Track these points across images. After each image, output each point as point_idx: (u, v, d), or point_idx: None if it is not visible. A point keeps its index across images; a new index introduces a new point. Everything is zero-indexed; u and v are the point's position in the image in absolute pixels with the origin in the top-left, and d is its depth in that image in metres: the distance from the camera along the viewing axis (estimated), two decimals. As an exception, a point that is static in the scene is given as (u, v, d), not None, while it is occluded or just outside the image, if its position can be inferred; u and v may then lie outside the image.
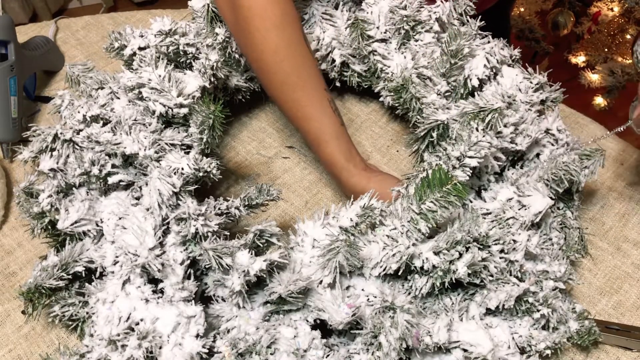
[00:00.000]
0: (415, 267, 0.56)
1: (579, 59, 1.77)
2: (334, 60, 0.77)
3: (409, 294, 0.58)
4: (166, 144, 0.62)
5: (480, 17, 0.75)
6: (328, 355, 0.54)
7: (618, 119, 1.85)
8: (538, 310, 0.57)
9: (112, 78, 0.71)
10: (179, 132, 0.64)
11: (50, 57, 0.92)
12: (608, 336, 0.62)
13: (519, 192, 0.63)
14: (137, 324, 0.52)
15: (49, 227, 0.60)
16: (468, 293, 0.59)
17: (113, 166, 0.61)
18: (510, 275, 0.58)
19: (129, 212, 0.59)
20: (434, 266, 0.55)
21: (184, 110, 0.63)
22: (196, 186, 0.60)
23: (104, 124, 0.64)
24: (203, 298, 0.58)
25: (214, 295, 0.58)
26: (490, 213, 0.62)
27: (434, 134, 0.69)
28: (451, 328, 0.55)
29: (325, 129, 0.68)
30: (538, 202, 0.62)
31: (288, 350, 0.53)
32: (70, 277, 0.58)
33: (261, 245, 0.56)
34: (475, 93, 0.70)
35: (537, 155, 0.69)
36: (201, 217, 0.55)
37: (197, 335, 0.52)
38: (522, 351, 0.57)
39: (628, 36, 1.64)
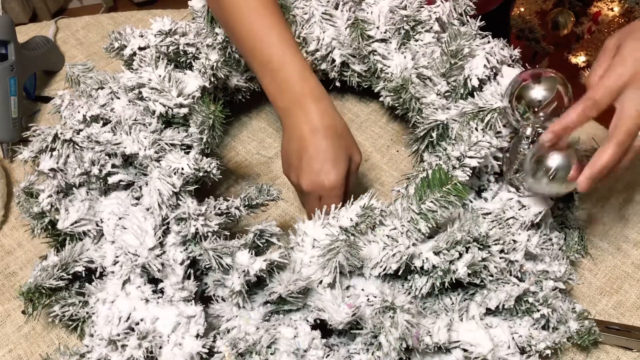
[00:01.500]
0: (415, 267, 0.56)
1: (579, 59, 1.77)
2: (334, 60, 0.77)
3: (409, 294, 0.58)
4: (166, 144, 0.62)
5: (480, 17, 0.75)
6: (328, 355, 0.54)
7: (618, 119, 1.84)
8: (538, 310, 0.57)
9: (112, 78, 0.71)
10: (179, 132, 0.64)
11: (50, 57, 0.92)
12: (608, 336, 0.62)
13: (518, 192, 0.63)
14: (137, 324, 0.52)
15: (49, 227, 0.60)
16: (468, 293, 0.59)
17: (113, 166, 0.61)
18: (510, 275, 0.58)
19: (129, 212, 0.59)
20: (434, 266, 0.55)
21: (184, 110, 0.63)
22: (196, 186, 0.60)
23: (104, 124, 0.64)
24: (203, 298, 0.58)
25: (214, 295, 0.58)
26: (490, 213, 0.62)
27: (434, 134, 0.69)
28: (451, 328, 0.55)
29: (288, 42, 0.63)
30: (538, 203, 0.62)
31: (288, 350, 0.53)
32: (70, 277, 0.58)
33: (261, 245, 0.56)
34: (474, 93, 0.70)
35: (537, 155, 0.69)
36: (201, 217, 0.55)
37: (197, 335, 0.52)
38: (522, 351, 0.57)
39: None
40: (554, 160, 0.57)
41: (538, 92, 0.58)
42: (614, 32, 0.59)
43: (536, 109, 0.59)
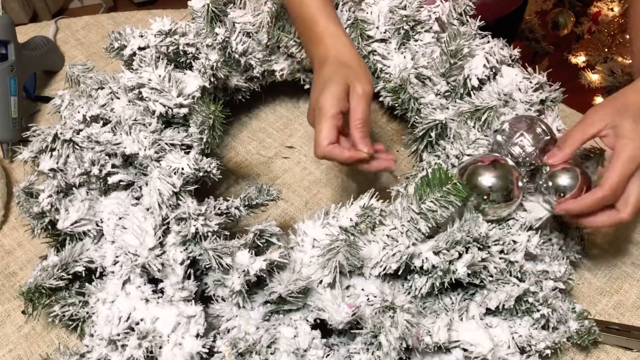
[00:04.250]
0: (415, 267, 0.56)
1: (579, 59, 1.77)
2: (333, 60, 0.77)
3: (409, 293, 0.58)
4: (166, 144, 0.62)
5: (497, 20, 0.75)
6: (328, 355, 0.54)
7: (618, 119, 1.84)
8: (538, 310, 0.57)
9: (112, 78, 0.71)
10: (179, 132, 0.64)
11: (50, 57, 0.92)
12: (608, 336, 0.62)
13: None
14: (137, 323, 0.52)
15: (49, 227, 0.60)
16: (468, 293, 0.59)
17: (113, 166, 0.61)
18: (510, 275, 0.58)
19: (129, 212, 0.59)
20: (433, 266, 0.55)
21: (184, 110, 0.63)
22: (196, 186, 0.60)
23: (104, 124, 0.64)
24: (203, 298, 0.58)
25: (214, 295, 0.58)
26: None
27: (433, 134, 0.69)
28: (451, 328, 0.55)
29: None
30: (538, 209, 0.62)
31: (288, 350, 0.53)
32: (70, 277, 0.58)
33: (261, 245, 0.56)
34: (472, 93, 0.70)
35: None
36: (201, 217, 0.55)
37: (197, 335, 0.52)
38: (522, 351, 0.57)
39: (628, 36, 1.64)
40: (564, 180, 0.59)
41: (488, 179, 0.58)
42: (600, 104, 0.60)
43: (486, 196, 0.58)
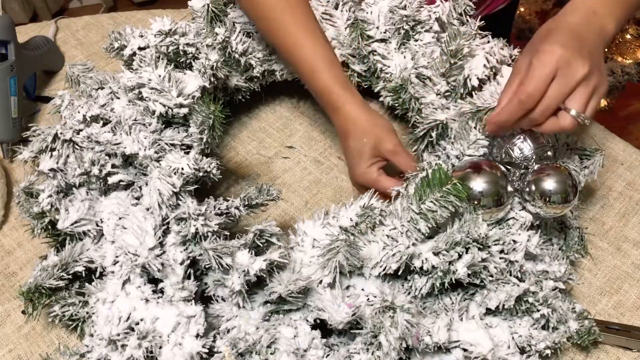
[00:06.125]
0: (415, 267, 0.56)
1: (579, 59, 1.77)
2: (333, 60, 0.77)
3: (409, 293, 0.58)
4: (166, 144, 0.62)
5: (488, 17, 0.75)
6: (328, 355, 0.54)
7: (618, 119, 1.84)
8: (538, 310, 0.57)
9: (112, 78, 0.71)
10: (179, 132, 0.64)
11: (50, 57, 0.92)
12: (608, 336, 0.62)
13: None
14: (137, 323, 0.52)
15: (49, 227, 0.60)
16: (468, 293, 0.59)
17: (113, 166, 0.61)
18: (510, 275, 0.58)
19: (129, 212, 0.59)
20: (433, 267, 0.55)
21: (184, 110, 0.63)
22: (196, 186, 0.60)
23: (104, 124, 0.64)
24: (203, 298, 0.58)
25: (214, 295, 0.58)
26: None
27: (433, 134, 0.69)
28: (451, 328, 0.55)
29: (319, 57, 0.69)
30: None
31: (288, 350, 0.53)
32: (70, 277, 0.58)
33: (261, 245, 0.56)
34: (473, 93, 0.70)
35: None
36: (201, 217, 0.55)
37: (197, 335, 0.52)
38: (522, 351, 0.57)
39: (628, 36, 1.64)
40: (550, 184, 0.58)
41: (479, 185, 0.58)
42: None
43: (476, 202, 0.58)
